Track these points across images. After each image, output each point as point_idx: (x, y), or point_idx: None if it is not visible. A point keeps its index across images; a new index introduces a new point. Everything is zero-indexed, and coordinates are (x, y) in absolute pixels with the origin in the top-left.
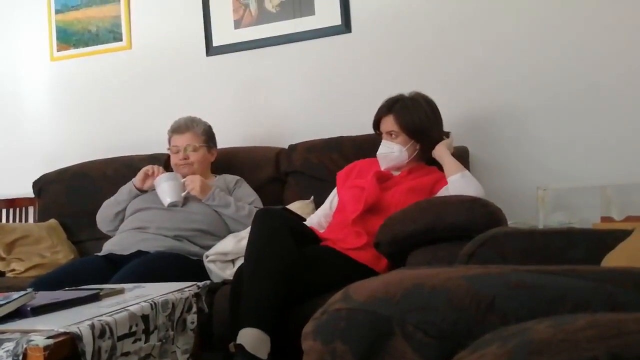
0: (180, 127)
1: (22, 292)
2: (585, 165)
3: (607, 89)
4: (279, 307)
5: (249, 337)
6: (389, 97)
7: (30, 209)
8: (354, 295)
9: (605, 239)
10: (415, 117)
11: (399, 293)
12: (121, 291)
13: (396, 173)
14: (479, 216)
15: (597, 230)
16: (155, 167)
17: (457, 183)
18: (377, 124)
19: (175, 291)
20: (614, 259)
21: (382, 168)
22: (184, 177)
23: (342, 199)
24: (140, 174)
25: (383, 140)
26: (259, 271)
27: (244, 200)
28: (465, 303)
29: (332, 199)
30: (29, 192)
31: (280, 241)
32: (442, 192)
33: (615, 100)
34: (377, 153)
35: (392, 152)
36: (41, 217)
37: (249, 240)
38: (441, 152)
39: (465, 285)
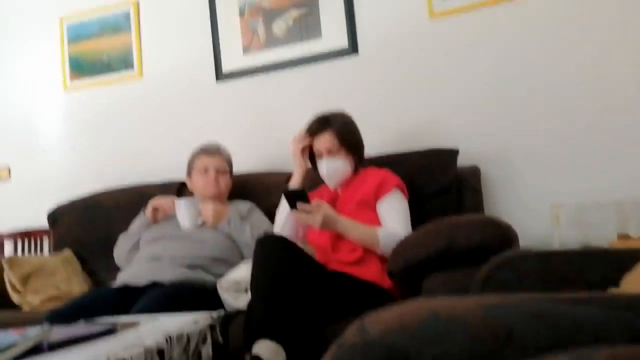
0: (211, 149)
1: (38, 328)
2: (600, 181)
3: (621, 103)
4: (290, 325)
5: (265, 348)
6: (315, 117)
7: (46, 240)
8: (370, 328)
9: (623, 259)
10: (351, 129)
11: (414, 324)
12: (136, 324)
13: (338, 189)
14: (491, 237)
15: (614, 250)
16: (166, 202)
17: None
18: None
19: (189, 323)
20: (633, 280)
21: (331, 186)
22: (211, 197)
23: (311, 235)
24: (149, 209)
25: (324, 159)
26: (265, 302)
27: (258, 227)
28: (483, 334)
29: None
30: (43, 223)
31: (283, 270)
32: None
33: (630, 114)
34: (325, 173)
35: (338, 167)
36: (56, 248)
37: (252, 267)
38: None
39: (482, 315)
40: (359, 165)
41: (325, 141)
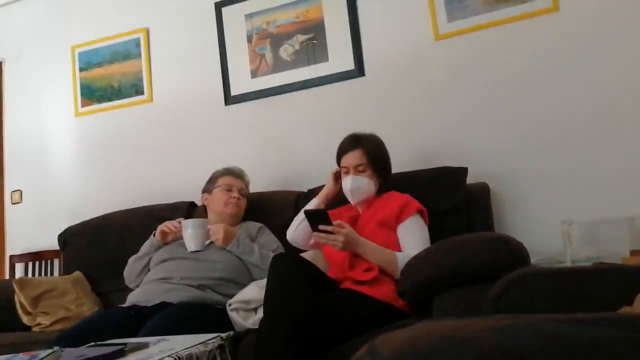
0: (235, 171)
1: (49, 351)
2: (612, 197)
3: (630, 119)
4: (302, 346)
5: None
6: (348, 135)
7: (56, 262)
8: (380, 349)
9: (637, 275)
10: (380, 151)
11: (425, 347)
12: (146, 345)
13: (359, 208)
14: (502, 254)
15: (627, 267)
16: (173, 224)
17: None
18: (338, 160)
19: (198, 344)
20: None
21: (353, 203)
22: (228, 216)
23: (328, 250)
24: (158, 231)
25: (350, 175)
26: (279, 319)
27: (267, 247)
28: (496, 357)
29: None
30: (54, 245)
31: (298, 287)
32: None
33: (638, 128)
34: (349, 188)
35: (362, 185)
36: (66, 270)
37: (267, 287)
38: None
39: (494, 338)
40: (383, 187)
41: (354, 158)
